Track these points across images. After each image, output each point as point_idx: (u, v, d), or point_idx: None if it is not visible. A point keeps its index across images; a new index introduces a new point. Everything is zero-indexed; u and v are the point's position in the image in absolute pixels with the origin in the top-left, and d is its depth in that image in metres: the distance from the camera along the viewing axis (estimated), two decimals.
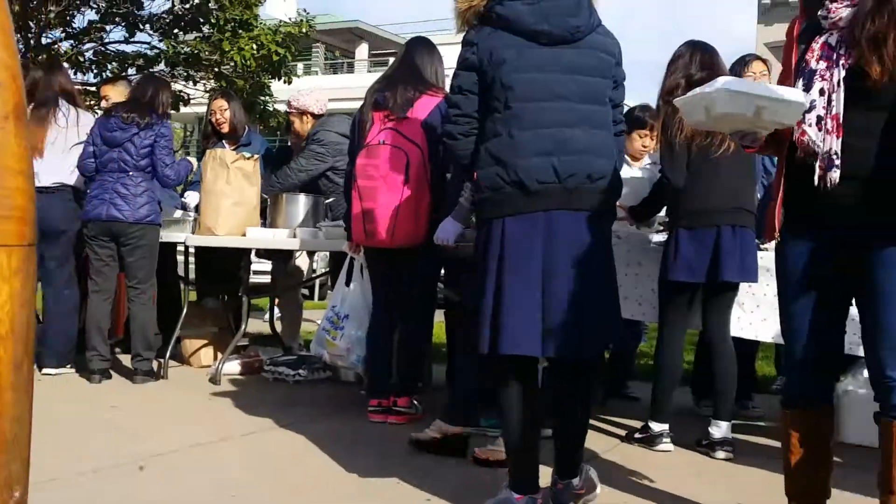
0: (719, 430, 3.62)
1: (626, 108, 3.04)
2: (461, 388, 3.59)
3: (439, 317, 4.50)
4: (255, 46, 10.61)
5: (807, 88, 2.19)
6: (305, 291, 10.84)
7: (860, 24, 2.15)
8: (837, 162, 2.15)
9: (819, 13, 2.26)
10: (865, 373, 3.85)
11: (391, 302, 4.06)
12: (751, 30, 26.97)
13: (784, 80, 2.33)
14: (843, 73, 2.16)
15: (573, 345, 2.49)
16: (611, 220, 2.69)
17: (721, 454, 3.57)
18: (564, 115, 2.54)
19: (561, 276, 2.48)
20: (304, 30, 11.34)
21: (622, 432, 3.95)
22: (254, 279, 5.57)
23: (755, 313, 3.76)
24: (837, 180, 2.16)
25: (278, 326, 6.12)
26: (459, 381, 3.62)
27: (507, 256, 2.49)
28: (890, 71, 2.11)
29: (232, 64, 10.77)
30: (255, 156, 5.15)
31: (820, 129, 2.17)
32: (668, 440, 3.68)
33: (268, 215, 5.11)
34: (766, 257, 3.69)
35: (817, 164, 2.18)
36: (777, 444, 3.45)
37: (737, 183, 3.62)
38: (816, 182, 2.18)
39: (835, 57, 2.18)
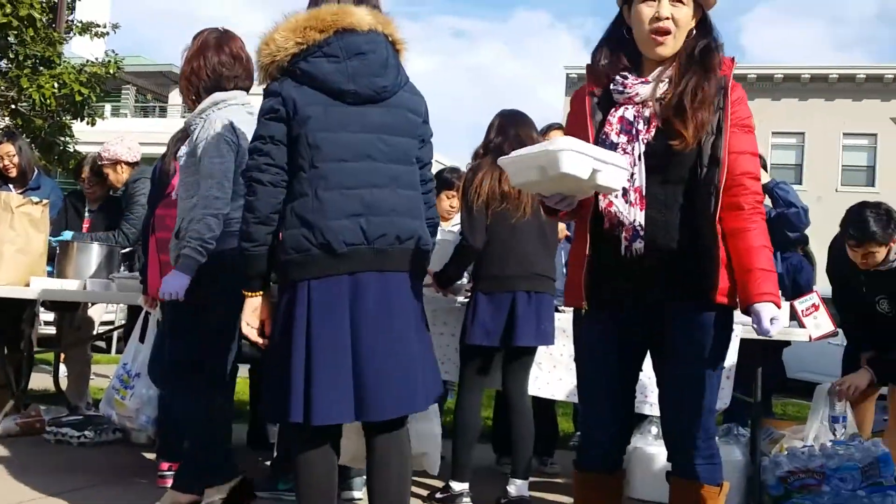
0: (516, 488, 3.68)
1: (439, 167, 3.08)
2: (191, 453, 3.34)
3: (244, 372, 4.33)
4: (56, 85, 10.04)
5: None
6: (102, 344, 10.20)
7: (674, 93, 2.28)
8: (642, 233, 2.25)
9: (612, 87, 2.35)
10: (653, 430, 4.06)
11: None
12: (559, 100, 28.55)
13: None
14: (642, 148, 2.26)
15: (387, 405, 2.44)
16: (421, 279, 2.67)
17: None
18: (372, 176, 2.51)
19: (371, 339, 2.43)
20: (111, 70, 10.85)
21: (425, 492, 3.92)
22: (44, 330, 5.15)
23: (552, 373, 3.86)
24: (642, 250, 2.25)
25: (65, 383, 5.68)
26: (191, 447, 3.35)
27: (314, 321, 2.41)
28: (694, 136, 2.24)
29: (30, 102, 10.13)
30: (45, 200, 4.81)
31: (626, 201, 2.25)
32: (469, 499, 3.69)
33: (55, 264, 4.77)
34: (563, 318, 3.82)
35: (622, 235, 2.26)
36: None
37: (533, 248, 3.74)
38: (623, 252, 2.27)
39: (633, 131, 2.28)
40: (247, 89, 3.36)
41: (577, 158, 2.02)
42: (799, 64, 26.95)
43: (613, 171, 2.10)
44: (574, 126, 2.44)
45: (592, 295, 2.35)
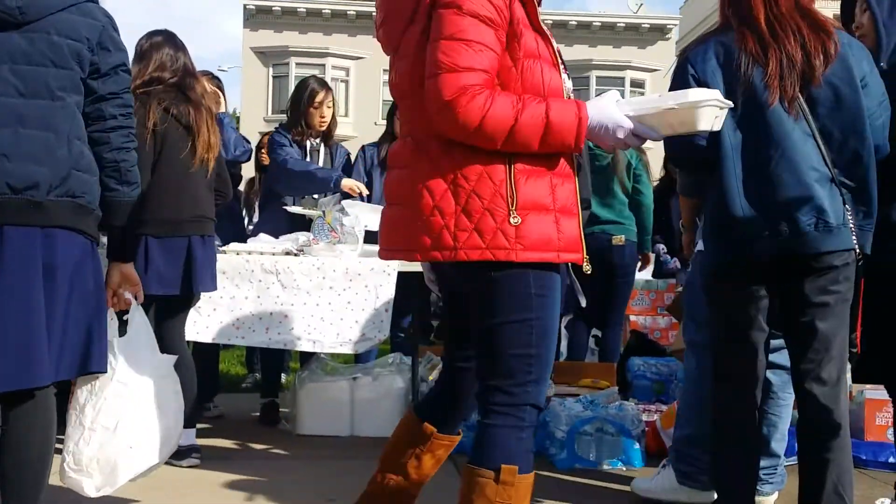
0: (185, 437, 3.55)
1: None
2: None
3: None
4: None
5: None
6: None
7: None
8: None
9: None
10: (317, 365, 4.13)
11: None
12: (238, 33, 27.65)
13: None
14: None
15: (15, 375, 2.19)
16: (71, 240, 2.30)
17: (186, 462, 3.49)
18: None
19: None
20: None
21: None
22: None
23: (212, 316, 3.75)
24: None
25: None
26: None
27: None
28: None
29: None
30: None
31: None
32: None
33: None
34: (223, 260, 3.72)
35: None
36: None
37: (203, 190, 3.57)
38: None
39: None
40: None
41: (710, 112, 1.99)
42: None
43: (722, 114, 2.07)
44: None
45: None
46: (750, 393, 2.54)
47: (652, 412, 4.12)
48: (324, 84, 4.74)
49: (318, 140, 4.70)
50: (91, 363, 2.34)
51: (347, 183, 4.46)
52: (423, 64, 1.93)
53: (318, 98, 4.62)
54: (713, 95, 2.02)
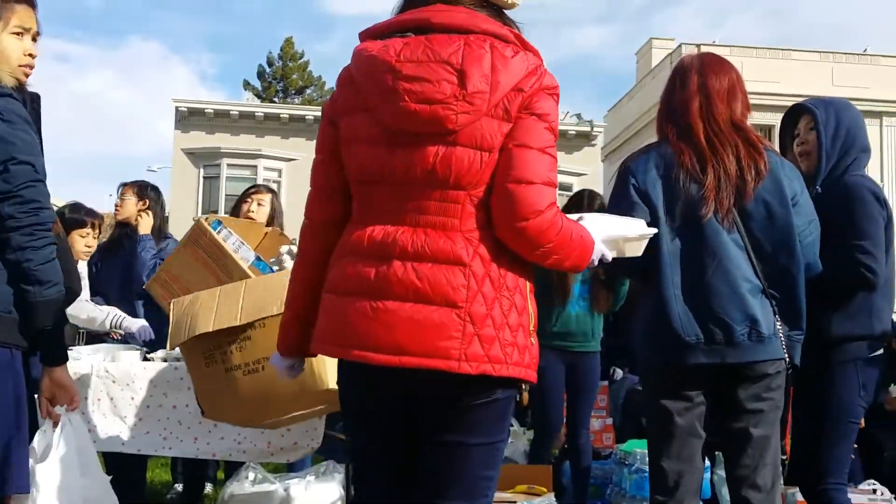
0: None
1: None
2: None
3: None
4: None
5: None
6: None
7: None
8: None
9: None
10: (250, 475, 4.00)
11: None
12: (169, 133, 27.62)
13: None
14: None
15: None
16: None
17: None
18: None
19: None
20: None
21: None
22: None
23: (138, 426, 3.61)
24: None
25: None
26: None
27: None
28: None
29: None
30: None
31: None
32: None
33: None
34: None
35: None
36: None
37: None
38: None
39: None
40: None
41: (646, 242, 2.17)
42: None
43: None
44: None
45: None
46: (689, 501, 2.54)
47: None
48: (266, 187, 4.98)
49: None
50: (7, 486, 2.20)
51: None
52: (503, 164, 1.84)
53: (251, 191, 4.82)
54: (650, 230, 2.19)
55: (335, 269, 1.93)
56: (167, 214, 5.42)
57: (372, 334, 1.82)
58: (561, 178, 29.53)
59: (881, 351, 2.95)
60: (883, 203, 2.86)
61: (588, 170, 26.56)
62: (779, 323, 2.48)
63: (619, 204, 2.58)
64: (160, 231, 4.77)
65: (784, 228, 2.50)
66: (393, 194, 1.87)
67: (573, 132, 28.95)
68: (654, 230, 2.23)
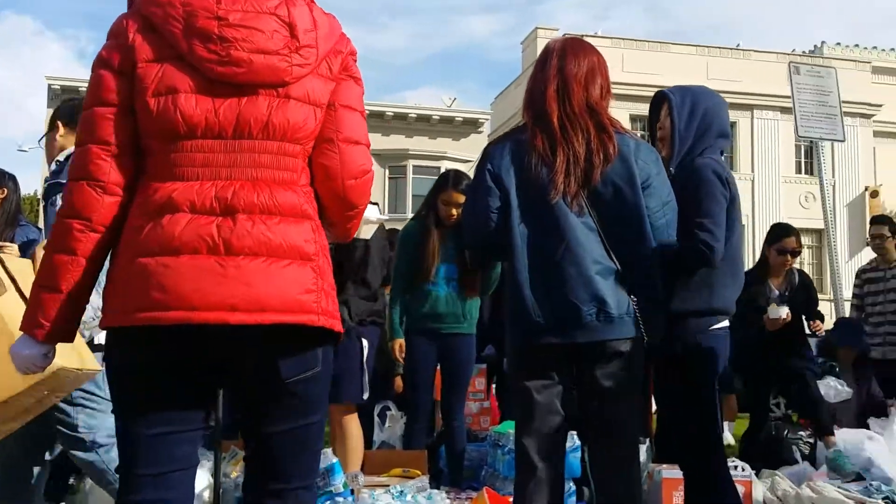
0: None
1: None
2: None
3: None
4: None
5: None
6: None
7: None
8: None
9: None
10: None
11: None
12: (41, 112, 26.31)
13: None
14: None
15: None
16: None
17: None
18: None
19: None
20: None
21: None
22: None
23: None
24: None
25: None
26: None
27: None
28: None
29: None
30: None
31: None
32: None
33: None
34: None
35: None
36: None
37: None
38: None
39: None
40: None
41: None
42: None
43: None
44: None
45: None
46: (550, 477, 2.57)
47: (462, 500, 4.09)
48: None
49: None
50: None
51: None
52: (328, 122, 1.86)
53: None
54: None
55: (148, 229, 1.74)
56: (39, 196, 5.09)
57: (227, 293, 1.70)
58: (449, 165, 29.86)
59: (726, 324, 3.05)
60: (725, 183, 2.94)
61: (474, 156, 26.80)
62: (634, 302, 2.53)
63: (476, 188, 2.64)
64: (15, 219, 4.49)
65: (633, 209, 2.54)
66: (222, 147, 1.77)
67: (460, 119, 29.16)
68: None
